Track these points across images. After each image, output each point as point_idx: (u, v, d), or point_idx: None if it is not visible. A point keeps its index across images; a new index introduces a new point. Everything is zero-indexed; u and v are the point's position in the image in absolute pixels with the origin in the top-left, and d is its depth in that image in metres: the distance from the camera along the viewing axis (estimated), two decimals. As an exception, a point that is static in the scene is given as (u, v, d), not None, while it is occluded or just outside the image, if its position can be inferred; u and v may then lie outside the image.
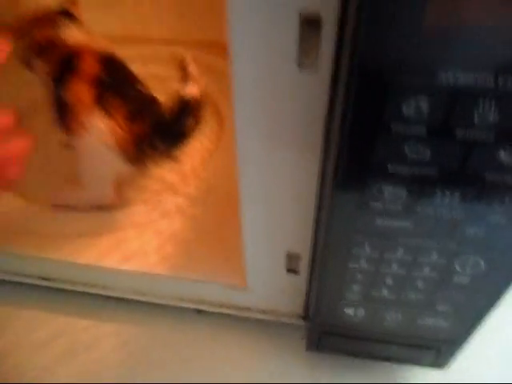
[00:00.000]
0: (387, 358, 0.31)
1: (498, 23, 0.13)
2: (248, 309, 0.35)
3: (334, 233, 0.22)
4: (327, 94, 0.19)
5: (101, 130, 0.34)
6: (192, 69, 0.36)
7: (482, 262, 0.21)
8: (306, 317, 0.33)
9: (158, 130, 0.35)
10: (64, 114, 0.35)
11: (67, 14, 0.39)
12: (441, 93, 0.15)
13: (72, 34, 0.38)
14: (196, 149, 0.47)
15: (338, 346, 0.31)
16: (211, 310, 0.36)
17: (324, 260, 0.24)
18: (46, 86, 0.39)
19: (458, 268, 0.22)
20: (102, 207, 0.39)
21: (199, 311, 0.37)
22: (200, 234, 0.37)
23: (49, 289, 0.38)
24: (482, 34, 0.14)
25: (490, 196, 0.18)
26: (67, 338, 0.36)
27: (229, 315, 0.36)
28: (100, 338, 0.36)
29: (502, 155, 0.16)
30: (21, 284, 0.38)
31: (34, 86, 0.47)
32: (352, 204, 0.20)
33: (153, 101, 0.37)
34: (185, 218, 0.39)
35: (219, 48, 0.55)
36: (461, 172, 0.17)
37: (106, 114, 0.34)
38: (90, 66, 0.35)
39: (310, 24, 0.17)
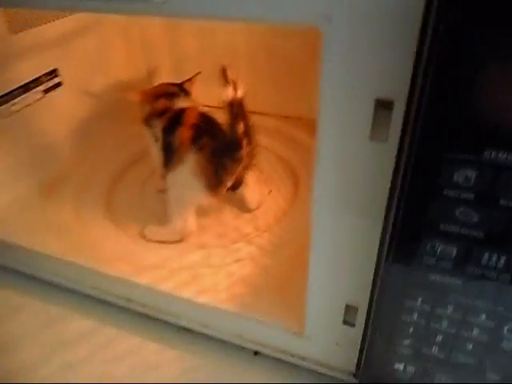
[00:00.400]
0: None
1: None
2: (303, 358, 0.37)
3: (390, 286, 0.25)
4: (393, 165, 0.23)
5: (193, 162, 0.42)
6: (231, 75, 0.41)
7: (531, 330, 0.23)
8: (356, 375, 0.35)
9: (224, 147, 0.42)
10: (169, 153, 0.44)
11: (183, 90, 0.49)
12: (485, 167, 0.18)
13: (183, 103, 0.48)
14: (271, 207, 0.52)
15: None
16: (267, 352, 0.38)
17: (378, 311, 0.27)
18: (155, 139, 0.47)
19: (506, 333, 0.23)
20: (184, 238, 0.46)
21: (256, 353, 0.40)
22: (268, 280, 0.41)
23: (129, 310, 0.43)
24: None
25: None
26: (138, 358, 0.40)
27: (284, 361, 0.38)
28: (165, 362, 0.40)
29: (542, 225, 0.19)
30: (106, 302, 0.44)
31: (136, 141, 0.57)
32: (408, 259, 0.23)
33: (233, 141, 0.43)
34: (255, 265, 0.43)
35: (302, 122, 0.62)
36: (505, 236, 0.20)
37: (198, 150, 0.42)
38: (191, 118, 0.44)
39: (384, 105, 0.22)
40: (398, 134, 0.22)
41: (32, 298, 0.46)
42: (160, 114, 0.47)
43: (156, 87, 0.52)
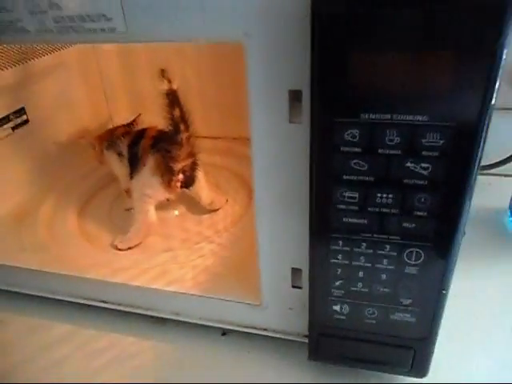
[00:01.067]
0: (373, 363, 0.37)
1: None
2: (263, 329, 0.43)
3: (318, 238, 0.32)
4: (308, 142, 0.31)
5: (152, 162, 0.51)
6: (168, 74, 0.49)
7: (422, 253, 0.30)
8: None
9: (167, 137, 0.51)
10: (134, 161, 0.53)
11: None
12: (364, 126, 0.26)
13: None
14: (229, 213, 0.59)
15: (333, 351, 0.37)
16: (233, 329, 0.43)
17: (312, 263, 0.33)
18: (119, 156, 0.55)
19: (405, 259, 0.30)
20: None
21: (224, 334, 0.45)
22: (227, 267, 0.47)
23: (105, 309, 0.47)
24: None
25: (409, 196, 0.28)
26: (116, 350, 0.44)
27: (248, 336, 0.43)
28: (141, 351, 0.44)
29: (409, 164, 0.27)
30: (83, 307, 0.48)
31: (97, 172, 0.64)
32: (325, 210, 0.30)
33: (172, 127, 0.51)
34: (216, 257, 0.49)
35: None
36: (388, 177, 0.27)
37: (155, 152, 0.51)
38: (151, 132, 0.54)
39: (295, 94, 0.30)
40: (308, 115, 0.30)
41: (13, 312, 0.50)
42: (121, 136, 0.57)
43: (109, 130, 0.62)
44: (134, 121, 0.61)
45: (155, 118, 0.54)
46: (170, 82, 0.48)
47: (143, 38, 0.31)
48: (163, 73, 0.48)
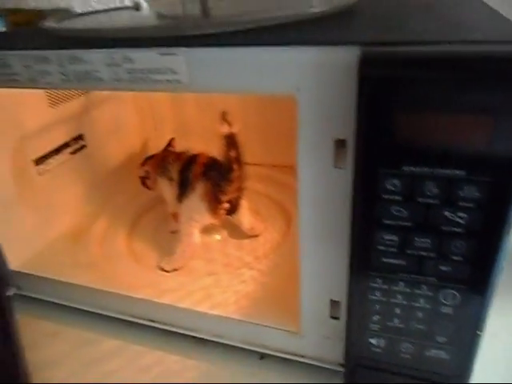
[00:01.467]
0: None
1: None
2: (301, 355, 0.45)
3: (357, 275, 0.34)
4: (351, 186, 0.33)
5: (201, 189, 0.55)
6: (229, 118, 0.53)
7: (457, 294, 0.32)
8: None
9: (220, 171, 0.54)
10: (184, 186, 0.57)
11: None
12: (405, 177, 0.29)
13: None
14: (267, 239, 0.62)
15: (368, 382, 0.39)
16: (272, 354, 0.46)
17: (351, 297, 0.36)
18: (169, 180, 0.59)
19: (442, 299, 0.32)
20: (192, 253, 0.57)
21: (262, 357, 0.47)
22: (267, 294, 0.49)
23: (151, 327, 0.51)
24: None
25: (446, 241, 0.30)
26: (162, 367, 0.48)
27: (286, 361, 0.46)
28: (185, 369, 0.47)
29: (446, 213, 0.29)
30: (131, 324, 0.52)
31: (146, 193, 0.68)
32: (366, 250, 0.33)
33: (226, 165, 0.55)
34: (257, 284, 0.52)
35: (292, 169, 0.73)
36: (426, 223, 0.30)
37: (205, 180, 0.55)
38: (202, 158, 0.58)
39: (340, 143, 0.32)
40: (352, 161, 0.32)
41: (65, 325, 0.54)
42: (172, 162, 0.61)
43: (159, 157, 0.65)
44: (169, 145, 0.65)
45: (200, 145, 0.59)
46: (230, 125, 0.51)
47: (204, 89, 0.35)
48: (224, 116, 0.51)
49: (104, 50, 0.36)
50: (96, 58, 0.36)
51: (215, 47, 0.33)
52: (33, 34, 0.52)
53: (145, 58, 0.35)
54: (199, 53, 0.34)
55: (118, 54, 0.36)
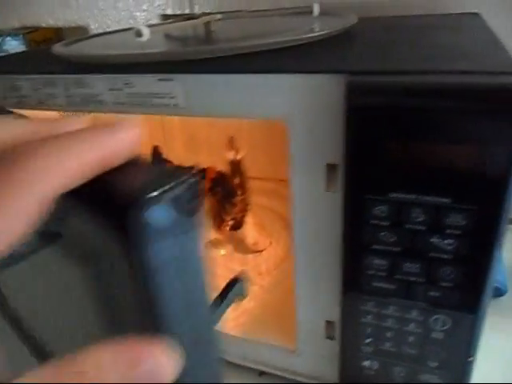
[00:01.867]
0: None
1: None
2: (298, 374, 0.45)
3: (349, 297, 0.35)
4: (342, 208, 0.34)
5: (208, 206, 0.56)
6: (235, 143, 0.55)
7: (448, 320, 0.32)
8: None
9: (225, 195, 0.55)
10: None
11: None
12: (391, 204, 0.29)
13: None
14: (271, 254, 0.62)
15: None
16: (269, 371, 0.46)
17: (344, 319, 0.36)
18: None
19: (432, 325, 0.32)
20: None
21: (261, 374, 0.48)
22: (266, 311, 0.50)
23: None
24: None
25: (434, 267, 0.30)
26: None
27: (283, 378, 0.46)
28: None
29: (433, 239, 0.29)
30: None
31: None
32: (356, 275, 0.33)
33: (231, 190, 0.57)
34: (257, 300, 0.52)
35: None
36: (413, 248, 0.30)
37: (211, 196, 0.56)
38: (210, 173, 0.58)
39: (332, 167, 0.33)
40: (343, 186, 0.33)
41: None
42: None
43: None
44: (155, 153, 0.65)
45: (207, 158, 0.60)
46: (237, 152, 0.53)
47: (201, 113, 0.36)
48: (232, 142, 0.53)
49: (106, 75, 0.38)
50: (99, 83, 0.38)
51: (209, 74, 0.34)
52: (43, 57, 0.54)
53: (144, 82, 0.36)
54: (195, 78, 0.35)
55: (119, 78, 0.37)
